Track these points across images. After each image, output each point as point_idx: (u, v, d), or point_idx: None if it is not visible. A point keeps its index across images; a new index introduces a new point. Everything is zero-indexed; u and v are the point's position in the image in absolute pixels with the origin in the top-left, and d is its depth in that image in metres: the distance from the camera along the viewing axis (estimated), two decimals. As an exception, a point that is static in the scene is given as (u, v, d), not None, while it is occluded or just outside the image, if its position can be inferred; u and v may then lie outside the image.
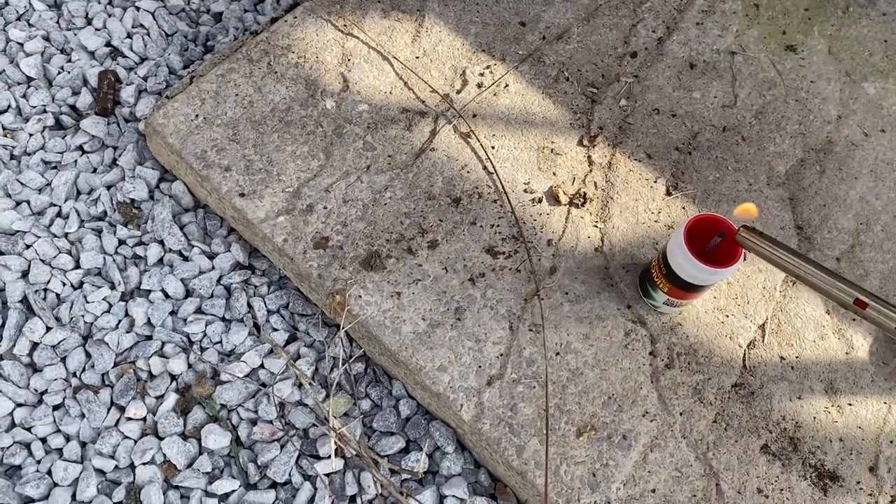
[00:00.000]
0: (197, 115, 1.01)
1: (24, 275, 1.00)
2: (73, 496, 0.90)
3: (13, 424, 0.93)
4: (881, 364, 0.95)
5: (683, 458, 0.87)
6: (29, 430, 0.93)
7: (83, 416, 0.94)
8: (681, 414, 0.90)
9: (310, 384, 0.95)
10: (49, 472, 0.91)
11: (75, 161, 1.09)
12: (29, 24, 1.20)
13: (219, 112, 1.01)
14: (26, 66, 1.14)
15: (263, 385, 0.96)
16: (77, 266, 1.02)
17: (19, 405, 0.94)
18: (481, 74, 1.09)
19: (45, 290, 1.00)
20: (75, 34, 1.19)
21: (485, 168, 1.02)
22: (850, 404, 0.93)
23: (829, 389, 0.93)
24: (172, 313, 1.00)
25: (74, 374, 0.96)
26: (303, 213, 0.97)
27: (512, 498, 0.92)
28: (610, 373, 0.91)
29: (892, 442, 0.91)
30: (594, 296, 0.95)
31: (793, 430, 0.91)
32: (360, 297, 0.92)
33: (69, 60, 1.17)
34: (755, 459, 0.88)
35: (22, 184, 1.06)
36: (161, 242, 1.03)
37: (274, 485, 0.92)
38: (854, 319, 0.98)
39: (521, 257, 0.97)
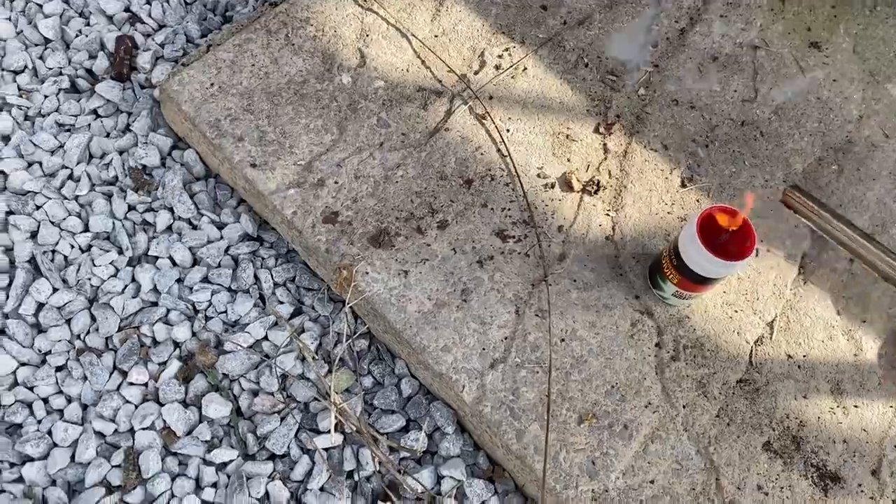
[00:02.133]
0: (212, 84, 1.00)
1: (34, 235, 1.00)
2: (72, 457, 0.90)
3: (16, 383, 0.94)
4: (890, 367, 0.94)
5: (684, 451, 0.87)
6: (31, 389, 0.93)
7: (85, 378, 0.94)
8: (684, 407, 0.89)
9: (313, 358, 0.95)
10: (49, 433, 0.91)
11: (89, 125, 1.09)
12: (49, -14, 1.19)
13: (234, 81, 1.01)
14: (44, 28, 1.14)
15: (266, 357, 0.96)
16: (86, 229, 1.02)
17: (23, 364, 0.94)
18: (500, 56, 1.08)
19: (54, 251, 1.00)
20: (94, -2, 1.19)
21: (499, 151, 1.01)
22: (855, 406, 0.92)
23: (835, 390, 0.92)
24: (179, 281, 1.00)
25: (78, 337, 0.96)
26: (314, 187, 0.96)
27: (509, 481, 0.91)
28: (614, 362, 0.90)
29: (896, 446, 0.90)
30: (602, 284, 0.94)
31: (796, 429, 0.90)
32: (367, 273, 0.92)
33: (87, 24, 1.17)
34: (757, 456, 0.88)
35: (35, 145, 1.06)
36: (171, 210, 1.03)
37: (272, 456, 0.92)
38: (864, 321, 0.97)
39: (531, 242, 0.96)
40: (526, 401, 0.87)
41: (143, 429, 0.91)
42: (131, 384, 0.94)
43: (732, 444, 0.88)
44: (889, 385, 0.93)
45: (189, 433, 0.92)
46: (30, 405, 0.93)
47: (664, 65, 1.11)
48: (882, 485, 0.88)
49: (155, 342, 0.96)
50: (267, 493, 0.90)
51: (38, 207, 1.02)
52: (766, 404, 0.91)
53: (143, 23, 1.17)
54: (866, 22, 1.18)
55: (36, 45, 1.15)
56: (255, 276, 1.01)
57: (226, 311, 0.98)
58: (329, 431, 0.91)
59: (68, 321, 0.96)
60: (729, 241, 0.81)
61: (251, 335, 0.97)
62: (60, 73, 1.13)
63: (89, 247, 1.01)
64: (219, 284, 1.00)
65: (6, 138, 1.07)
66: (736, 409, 0.90)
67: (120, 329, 0.97)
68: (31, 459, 0.90)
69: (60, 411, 0.93)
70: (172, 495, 0.89)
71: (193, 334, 0.97)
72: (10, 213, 1.01)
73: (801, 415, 0.90)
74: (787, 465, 0.88)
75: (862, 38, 1.17)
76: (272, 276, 1.01)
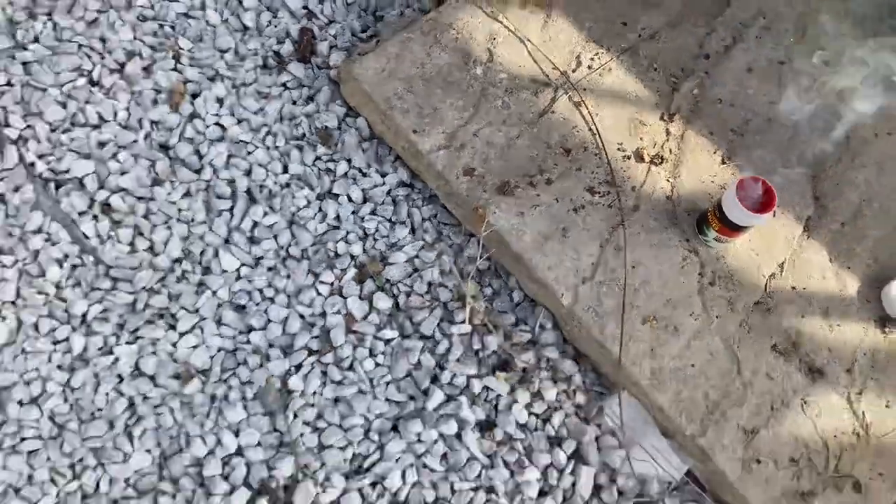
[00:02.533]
0: (384, 70, 1.37)
1: (248, 173, 1.38)
2: (283, 330, 1.29)
3: (239, 277, 1.32)
4: (864, 301, 1.32)
5: (716, 347, 1.25)
6: (250, 282, 1.31)
7: (288, 276, 1.32)
8: (717, 317, 1.27)
9: (450, 271, 1.33)
10: (266, 311, 1.29)
11: (280, 94, 1.46)
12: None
13: (399, 69, 1.38)
14: (245, 18, 1.51)
15: (416, 270, 1.34)
16: (285, 171, 1.40)
17: (243, 265, 1.32)
18: (591, 59, 1.45)
19: (261, 185, 1.38)
20: (278, -4, 1.55)
21: (590, 129, 1.38)
22: (838, 325, 1.30)
23: (824, 314, 1.30)
24: (354, 213, 1.38)
25: (283, 248, 1.34)
26: (456, 150, 1.34)
27: (588, 364, 1.30)
28: (669, 284, 1.28)
29: (864, 354, 1.28)
30: (663, 230, 1.32)
31: (795, 338, 1.28)
32: (496, 213, 1.30)
33: (275, 16, 1.53)
34: (766, 354, 1.26)
35: (243, 107, 1.43)
36: (348, 160, 1.40)
37: (422, 337, 1.30)
38: (849, 268, 1.34)
39: (612, 198, 1.33)
40: (606, 307, 1.25)
41: (333, 313, 1.30)
42: (322, 283, 1.32)
43: (750, 345, 1.26)
44: (862, 313, 1.31)
45: (364, 318, 1.30)
46: (249, 293, 1.31)
47: (712, 72, 1.48)
48: (853, 379, 1.26)
49: (337, 255, 1.35)
50: (419, 361, 1.28)
51: (249, 153, 1.40)
52: (775, 320, 1.28)
53: (317, 18, 1.54)
54: (877, 45, 1.54)
55: (236, 31, 1.52)
56: (408, 212, 1.38)
57: (388, 236, 1.36)
58: (463, 321, 1.29)
59: (275, 236, 1.35)
60: (756, 201, 1.19)
61: (406, 254, 1.35)
62: (256, 54, 1.50)
63: (288, 184, 1.39)
64: (382, 216, 1.38)
65: (220, 101, 1.44)
66: (753, 322, 1.28)
67: (313, 244, 1.35)
68: (253, 329, 1.28)
69: (272, 298, 1.31)
70: (354, 358, 1.27)
71: (365, 251, 1.35)
72: (231, 156, 1.39)
73: (800, 328, 1.28)
74: (787, 361, 1.26)
75: (868, 57, 1.53)
76: (420, 212, 1.39)
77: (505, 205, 1.30)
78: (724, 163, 1.39)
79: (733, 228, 1.23)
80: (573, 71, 1.42)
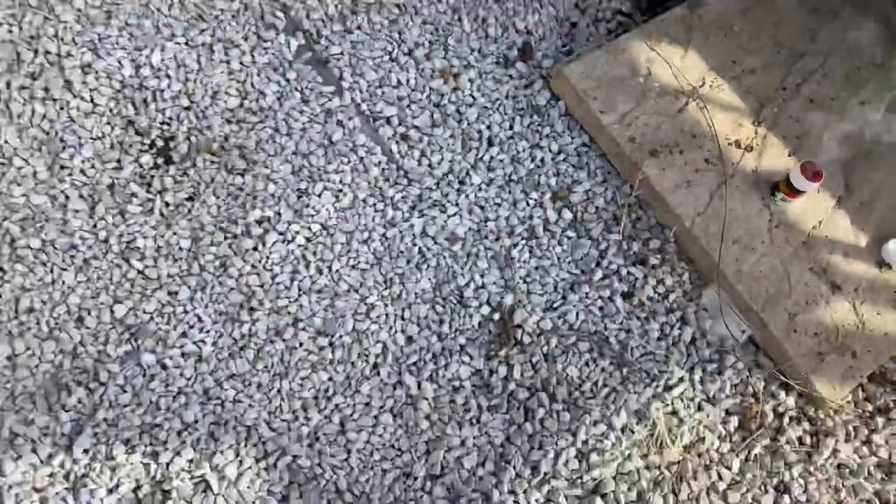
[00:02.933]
0: (582, 72, 2.19)
1: (489, 127, 2.20)
2: (506, 222, 2.10)
3: (480, 189, 2.13)
4: (870, 250, 2.11)
5: (775, 263, 2.04)
6: (486, 192, 2.13)
7: (510, 192, 2.14)
8: (777, 247, 2.07)
9: (612, 199, 2.14)
10: (496, 209, 2.11)
11: (508, 81, 2.29)
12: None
13: (592, 73, 2.20)
14: (489, 31, 2.34)
15: (589, 198, 2.15)
16: (511, 128, 2.21)
17: (482, 182, 2.14)
18: (711, 81, 2.26)
19: (496, 136, 2.19)
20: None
21: (708, 124, 2.19)
22: (852, 262, 2.09)
23: (844, 254, 2.09)
24: (552, 159, 2.18)
25: (507, 175, 2.16)
26: (625, 126, 2.15)
27: (693, 266, 2.09)
28: (750, 223, 2.08)
29: (866, 281, 2.07)
30: (749, 191, 2.12)
31: (825, 265, 2.07)
32: (647, 167, 2.10)
33: (506, 31, 2.36)
34: (805, 272, 2.05)
35: (486, 86, 2.25)
36: (551, 126, 2.22)
37: (590, 238, 2.11)
38: (863, 230, 2.14)
39: (720, 168, 2.14)
40: (711, 231, 2.05)
41: (537, 217, 2.11)
42: (530, 199, 2.13)
43: (796, 265, 2.05)
44: (867, 258, 2.10)
45: (555, 222, 2.11)
46: (486, 198, 2.13)
47: (787, 99, 2.28)
48: (857, 294, 2.05)
49: (539, 183, 2.15)
50: (588, 252, 2.09)
51: (489, 115, 2.21)
52: (813, 253, 2.07)
53: (533, 35, 2.36)
54: (892, 97, 2.33)
55: (482, 38, 2.34)
56: (587, 162, 2.19)
57: (573, 175, 2.17)
58: (618, 232, 2.10)
59: (503, 168, 2.16)
60: (811, 175, 1.99)
61: (584, 186, 2.15)
62: (493, 54, 2.32)
63: (512, 137, 2.20)
64: (569, 163, 2.19)
65: (471, 81, 2.26)
66: (799, 252, 2.07)
67: (526, 175, 2.16)
68: (489, 220, 2.10)
69: (499, 203, 2.13)
70: (549, 246, 2.08)
71: (557, 182, 2.16)
72: (478, 115, 2.20)
73: (829, 260, 2.07)
74: (818, 278, 2.05)
75: (885, 102, 2.33)
76: (594, 163, 2.20)
77: (653, 163, 2.11)
78: (789, 155, 2.19)
79: (795, 192, 2.03)
80: (700, 87, 2.24)
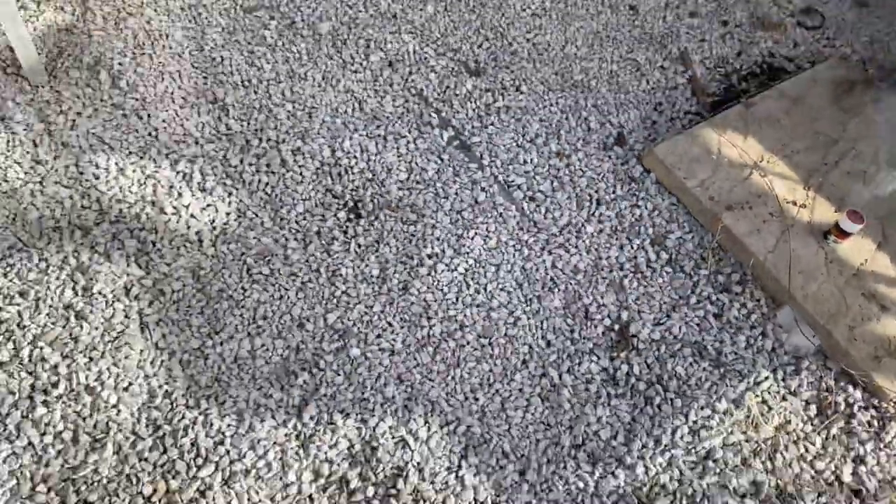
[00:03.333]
0: (669, 151, 2.88)
1: (596, 190, 2.87)
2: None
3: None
4: (909, 280, 2.67)
5: (833, 290, 2.60)
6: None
7: (615, 212, 2.77)
8: (832, 277, 2.63)
9: (698, 245, 2.75)
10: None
11: (608, 159, 2.98)
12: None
13: (675, 151, 2.88)
14: (591, 124, 3.07)
15: (681, 243, 2.76)
16: (614, 192, 2.88)
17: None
18: (768, 158, 2.92)
19: (600, 196, 2.86)
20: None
21: (769, 188, 2.83)
22: (895, 291, 2.64)
23: (888, 284, 2.65)
24: (648, 215, 2.83)
25: (603, 219, 2.80)
26: (704, 188, 2.80)
27: (769, 293, 2.65)
28: (810, 259, 2.66)
29: (909, 303, 2.61)
30: (806, 237, 2.72)
31: (873, 292, 2.62)
32: (725, 218, 2.72)
33: (602, 125, 3.09)
34: (858, 297, 2.59)
35: (591, 163, 2.95)
36: (646, 191, 2.87)
37: (685, 273, 2.70)
38: (901, 264, 2.71)
39: (782, 220, 2.75)
40: (780, 265, 2.62)
41: (641, 258, 2.72)
42: (633, 244, 2.75)
43: (850, 291, 2.60)
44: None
45: (655, 260, 2.72)
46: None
47: (828, 171, 2.93)
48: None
49: (640, 232, 2.78)
50: (682, 284, 2.67)
51: (596, 184, 2.89)
52: (863, 283, 2.63)
53: (625, 128, 3.08)
54: (912, 170, 2.97)
55: (585, 130, 3.07)
56: (675, 216, 2.82)
57: (665, 227, 2.80)
58: (704, 268, 2.68)
59: (599, 213, 2.80)
60: (856, 219, 2.59)
61: (674, 234, 2.77)
62: (595, 140, 3.03)
63: (615, 198, 2.85)
64: (664, 219, 2.82)
65: (580, 160, 2.96)
66: (850, 282, 2.63)
67: (630, 225, 2.79)
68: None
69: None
70: (654, 273, 2.68)
71: (655, 233, 2.79)
72: (588, 184, 2.88)
73: (876, 288, 2.62)
74: (869, 301, 2.59)
75: (910, 175, 2.96)
76: (680, 218, 2.82)
77: (729, 215, 2.73)
78: (835, 211, 2.81)
79: (843, 234, 2.63)
80: (759, 162, 2.90)
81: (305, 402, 2.26)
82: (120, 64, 2.86)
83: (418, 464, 2.18)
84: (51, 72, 2.80)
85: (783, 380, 2.46)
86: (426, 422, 2.27)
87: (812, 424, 2.38)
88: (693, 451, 2.29)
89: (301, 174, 2.74)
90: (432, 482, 2.15)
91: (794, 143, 2.98)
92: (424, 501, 2.11)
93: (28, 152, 2.60)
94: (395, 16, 3.30)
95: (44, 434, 2.09)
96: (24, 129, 2.64)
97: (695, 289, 2.63)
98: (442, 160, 2.86)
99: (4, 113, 2.67)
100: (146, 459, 2.09)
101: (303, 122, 2.86)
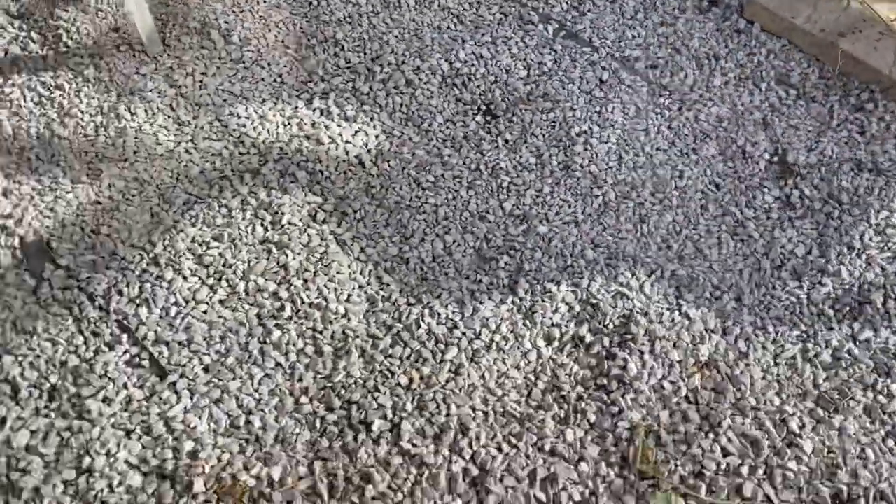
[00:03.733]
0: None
1: (700, 45, 2.96)
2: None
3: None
4: None
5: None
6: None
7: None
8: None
9: (812, 72, 2.85)
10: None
11: (711, 17, 3.07)
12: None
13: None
14: (681, -7, 3.16)
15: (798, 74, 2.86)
16: (726, 46, 2.97)
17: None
18: None
19: (713, 53, 2.95)
20: None
21: (872, 12, 2.94)
22: None
23: None
24: (766, 57, 2.92)
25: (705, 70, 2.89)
26: (813, 23, 2.90)
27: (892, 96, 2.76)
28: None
29: None
30: None
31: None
32: (842, 44, 2.83)
33: (692, -7, 3.18)
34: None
35: (692, 26, 3.04)
36: (757, 37, 2.97)
37: (813, 100, 2.80)
38: None
39: (892, 36, 2.86)
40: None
41: (766, 105, 2.81)
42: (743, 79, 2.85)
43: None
44: None
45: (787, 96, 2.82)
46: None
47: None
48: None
49: (766, 76, 2.88)
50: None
51: (693, 34, 2.98)
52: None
53: (713, -9, 3.18)
54: None
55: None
56: (792, 56, 2.92)
57: (785, 66, 2.90)
58: (825, 91, 2.79)
59: (708, 69, 2.90)
60: None
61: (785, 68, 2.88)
62: (690, 8, 3.12)
63: (728, 52, 2.95)
64: (781, 60, 2.92)
65: (675, 31, 3.05)
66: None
67: (737, 63, 2.89)
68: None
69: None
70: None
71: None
72: (690, 35, 2.97)
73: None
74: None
75: None
76: (796, 55, 2.93)
77: (844, 41, 2.83)
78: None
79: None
80: None
81: (514, 280, 2.33)
82: (226, 23, 2.90)
83: (642, 309, 2.25)
84: (163, 41, 2.83)
85: (943, 177, 2.57)
86: (633, 274, 2.35)
87: None
88: (886, 248, 2.39)
89: (429, 90, 2.80)
90: (660, 322, 2.23)
91: None
92: (660, 339, 2.19)
93: (169, 116, 2.63)
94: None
95: (287, 353, 2.13)
96: (158, 97, 2.67)
97: (832, 114, 2.74)
98: (555, 51, 2.93)
99: (133, 86, 2.69)
100: (391, 356, 2.15)
101: (414, 43, 2.92)
